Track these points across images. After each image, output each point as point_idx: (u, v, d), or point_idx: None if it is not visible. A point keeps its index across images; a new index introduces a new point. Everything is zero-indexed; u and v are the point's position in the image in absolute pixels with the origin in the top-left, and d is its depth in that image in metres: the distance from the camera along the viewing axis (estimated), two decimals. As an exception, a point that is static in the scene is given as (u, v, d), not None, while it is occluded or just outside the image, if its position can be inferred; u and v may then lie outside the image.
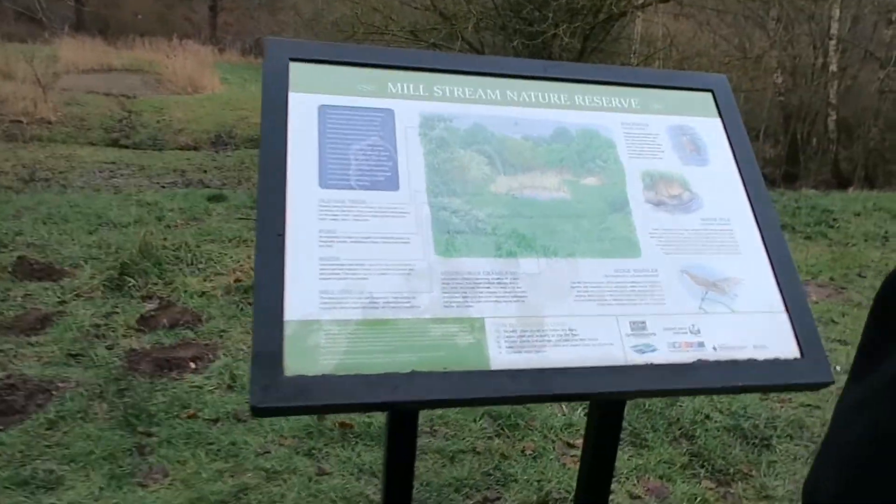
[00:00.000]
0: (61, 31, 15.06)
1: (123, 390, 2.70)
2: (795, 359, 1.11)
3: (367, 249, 1.01)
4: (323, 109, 1.10)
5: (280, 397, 0.89)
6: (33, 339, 3.10)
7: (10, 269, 3.83)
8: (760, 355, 1.09)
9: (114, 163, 9.74)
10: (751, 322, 1.13)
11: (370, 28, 8.37)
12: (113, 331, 3.24)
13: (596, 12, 8.69)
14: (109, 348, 3.07)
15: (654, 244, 1.16)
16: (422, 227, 1.05)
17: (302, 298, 0.96)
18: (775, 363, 1.10)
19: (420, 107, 1.16)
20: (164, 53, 15.27)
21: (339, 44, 1.37)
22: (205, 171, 9.32)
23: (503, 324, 1.02)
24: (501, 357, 0.99)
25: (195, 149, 10.88)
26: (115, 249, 4.22)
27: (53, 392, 2.66)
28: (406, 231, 1.04)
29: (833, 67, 14.09)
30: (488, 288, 1.04)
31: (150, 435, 2.41)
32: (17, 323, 3.24)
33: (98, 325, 3.28)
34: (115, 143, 10.89)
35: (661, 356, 1.06)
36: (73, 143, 11.18)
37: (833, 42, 13.89)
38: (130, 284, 3.72)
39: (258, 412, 0.90)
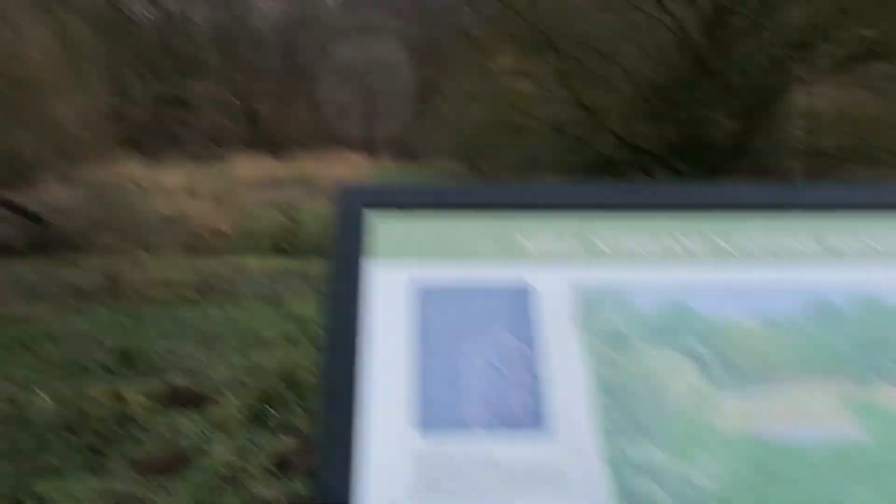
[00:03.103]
0: (237, 150, 16.92)
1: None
2: None
3: None
4: (418, 287, 0.71)
5: None
6: (165, 482, 2.93)
7: (156, 398, 3.81)
8: None
9: (278, 271, 10.35)
10: None
11: (510, 127, 8.19)
12: (246, 473, 3.01)
13: (755, 89, 7.91)
14: (239, 497, 2.82)
15: None
16: (593, 501, 0.60)
17: None
18: None
19: (573, 275, 0.73)
20: (323, 163, 16.64)
21: (434, 185, 1.02)
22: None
23: None
24: None
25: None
26: (259, 374, 4.12)
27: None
28: None
29: None
30: None
31: None
32: (154, 462, 3.12)
33: (232, 467, 3.06)
34: (281, 251, 11.65)
35: None
36: (245, 253, 12.17)
37: None
38: (271, 415, 3.53)
39: None
